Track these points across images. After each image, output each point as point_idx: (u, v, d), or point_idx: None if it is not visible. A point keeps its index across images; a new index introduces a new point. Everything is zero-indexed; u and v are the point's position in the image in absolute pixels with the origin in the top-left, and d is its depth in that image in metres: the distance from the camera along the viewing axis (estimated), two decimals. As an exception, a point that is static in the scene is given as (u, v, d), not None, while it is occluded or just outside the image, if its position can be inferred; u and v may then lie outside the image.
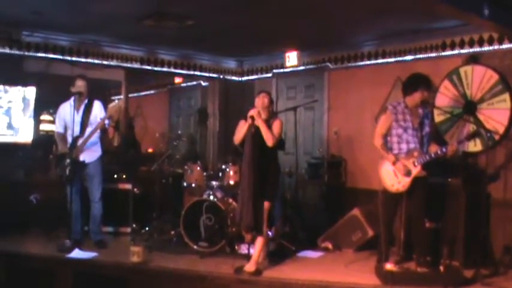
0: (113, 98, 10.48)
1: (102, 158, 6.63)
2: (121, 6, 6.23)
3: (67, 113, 6.46)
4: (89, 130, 6.37)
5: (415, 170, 5.40)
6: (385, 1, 5.67)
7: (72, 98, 6.42)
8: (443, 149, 5.35)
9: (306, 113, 8.71)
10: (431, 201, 5.67)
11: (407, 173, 5.42)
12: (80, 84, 6.46)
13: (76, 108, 6.43)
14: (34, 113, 7.73)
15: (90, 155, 6.45)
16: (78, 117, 6.41)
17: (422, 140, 5.49)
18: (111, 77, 9.28)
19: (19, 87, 7.60)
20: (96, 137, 6.44)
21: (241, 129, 5.60)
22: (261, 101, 5.67)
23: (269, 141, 5.50)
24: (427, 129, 5.54)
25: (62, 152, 6.47)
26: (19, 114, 7.62)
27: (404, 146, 5.50)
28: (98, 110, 6.50)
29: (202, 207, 6.45)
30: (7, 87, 7.56)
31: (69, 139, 6.42)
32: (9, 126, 7.59)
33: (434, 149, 5.50)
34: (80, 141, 6.35)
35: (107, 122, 6.40)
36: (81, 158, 6.38)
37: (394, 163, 5.48)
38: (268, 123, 5.59)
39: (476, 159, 6.31)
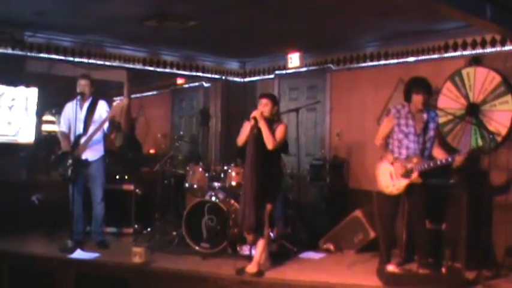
0: (115, 98, 10.49)
1: (104, 158, 6.63)
2: (124, 7, 6.24)
3: (71, 112, 6.46)
4: (92, 128, 6.38)
5: (412, 176, 5.34)
6: (387, 2, 5.67)
7: (77, 98, 6.43)
8: (449, 159, 5.25)
9: (308, 114, 8.71)
10: (433, 203, 5.65)
11: (406, 173, 5.36)
12: (82, 84, 6.48)
13: (80, 107, 6.44)
14: (36, 113, 7.74)
15: (92, 153, 6.45)
16: (81, 116, 6.43)
17: (425, 145, 5.41)
18: (113, 77, 9.27)
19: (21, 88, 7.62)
20: (99, 135, 6.46)
21: (245, 131, 5.57)
22: (261, 109, 5.57)
23: (269, 143, 5.47)
24: (431, 133, 5.45)
25: (64, 150, 6.47)
26: (21, 112, 7.62)
27: (404, 151, 5.42)
28: (102, 110, 6.49)
29: (204, 208, 6.45)
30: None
31: (73, 138, 6.42)
32: (10, 123, 7.59)
33: (441, 155, 5.42)
34: (83, 140, 6.36)
35: (106, 125, 6.41)
36: (84, 156, 6.38)
37: (392, 163, 5.43)
38: (273, 128, 5.57)
39: (479, 161, 6.29)
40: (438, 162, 5.30)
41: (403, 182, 5.37)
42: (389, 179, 5.44)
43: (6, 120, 7.52)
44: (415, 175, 5.32)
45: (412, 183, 5.35)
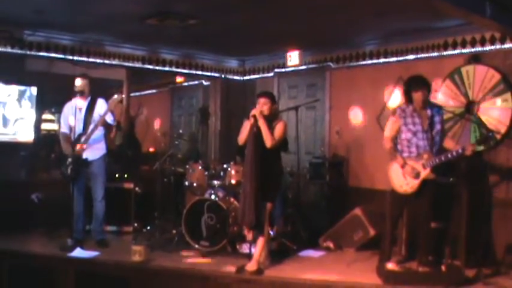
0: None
1: (106, 156, 6.62)
2: (124, 6, 6.23)
3: (71, 112, 6.45)
4: (91, 127, 6.37)
5: (424, 173, 5.32)
6: (387, 1, 5.67)
7: (75, 97, 6.42)
8: (460, 150, 5.23)
9: (307, 113, 8.70)
10: (434, 201, 5.65)
11: (416, 175, 5.34)
12: (81, 83, 6.47)
13: (78, 106, 6.43)
14: (36, 112, 7.73)
15: (93, 152, 6.44)
16: (80, 115, 6.42)
17: (433, 140, 5.40)
18: (113, 76, 9.28)
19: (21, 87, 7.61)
20: (99, 134, 6.46)
21: (245, 130, 5.58)
22: (259, 108, 5.57)
23: (268, 142, 5.48)
24: (438, 127, 5.43)
25: (65, 153, 6.46)
26: (21, 111, 7.62)
27: (414, 150, 5.41)
28: (101, 108, 6.47)
29: (203, 207, 6.45)
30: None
31: (73, 138, 6.40)
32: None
33: (451, 145, 5.44)
34: (83, 139, 6.35)
35: (112, 118, 6.42)
36: (84, 155, 6.36)
37: (402, 166, 5.41)
38: (272, 126, 5.57)
39: (479, 159, 6.28)
40: (449, 155, 5.29)
41: (417, 180, 5.37)
42: (403, 178, 5.42)
43: (5, 118, 7.52)
44: (427, 171, 5.32)
45: (425, 179, 5.34)
